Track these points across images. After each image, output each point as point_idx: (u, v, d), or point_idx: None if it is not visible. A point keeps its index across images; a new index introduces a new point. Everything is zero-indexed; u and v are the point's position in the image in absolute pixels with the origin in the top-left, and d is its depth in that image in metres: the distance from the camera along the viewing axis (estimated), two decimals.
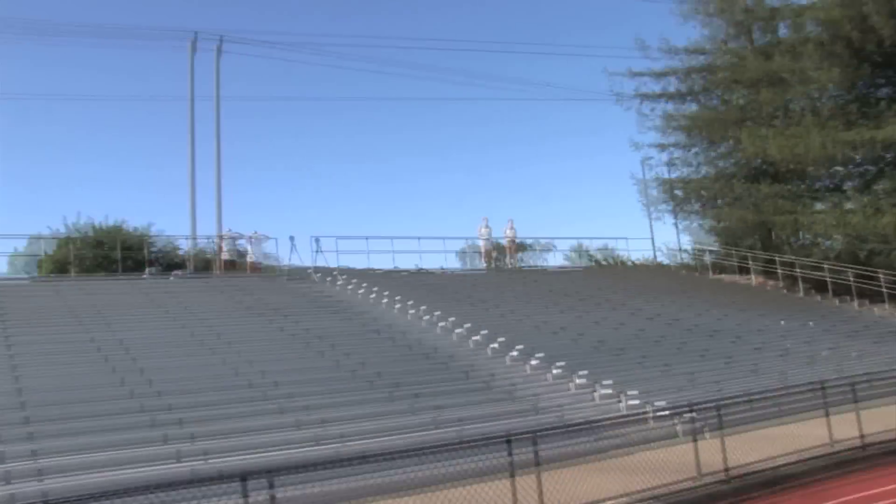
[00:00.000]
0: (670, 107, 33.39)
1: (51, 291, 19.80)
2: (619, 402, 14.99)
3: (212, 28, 50.04)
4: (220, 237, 24.91)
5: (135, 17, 63.80)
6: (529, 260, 33.41)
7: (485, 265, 29.47)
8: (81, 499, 6.90)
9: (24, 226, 73.82)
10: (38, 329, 16.28)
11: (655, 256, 35.66)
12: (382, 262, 25.54)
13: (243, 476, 7.77)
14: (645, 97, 32.97)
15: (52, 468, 10.48)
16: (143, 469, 10.48)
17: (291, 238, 24.28)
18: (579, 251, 38.10)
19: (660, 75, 32.86)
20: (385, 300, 21.06)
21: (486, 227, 28.98)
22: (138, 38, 50.31)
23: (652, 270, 32.54)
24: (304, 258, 24.45)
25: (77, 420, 11.88)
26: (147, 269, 23.68)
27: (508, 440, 9.31)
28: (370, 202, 72.85)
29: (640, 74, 32.66)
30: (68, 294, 19.37)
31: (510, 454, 9.18)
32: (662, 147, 33.88)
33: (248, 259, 24.59)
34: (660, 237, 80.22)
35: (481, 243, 29.71)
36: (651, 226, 36.96)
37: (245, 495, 7.69)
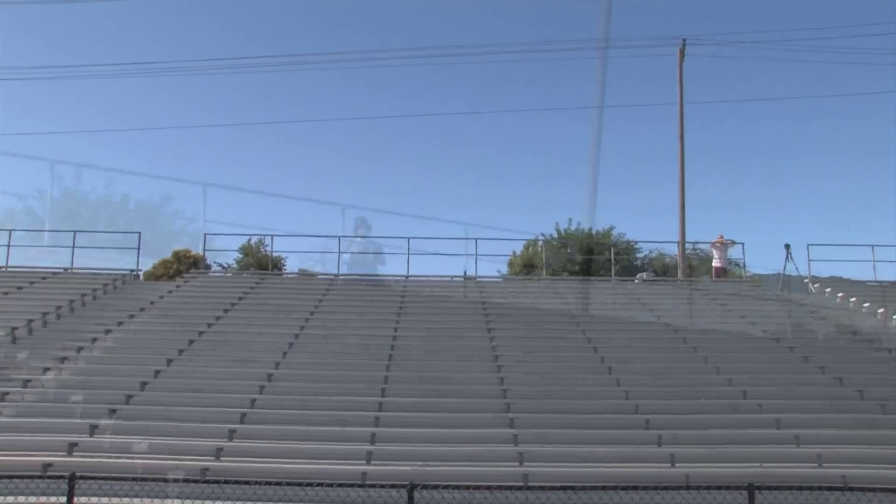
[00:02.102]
0: None
1: (526, 289, 22.00)
2: None
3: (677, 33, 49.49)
4: (714, 244, 24.59)
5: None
6: None
7: None
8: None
9: (525, 229, 79.85)
10: (516, 323, 17.73)
11: None
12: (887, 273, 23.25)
13: (750, 487, 7.34)
14: None
15: (533, 455, 11.17)
16: (630, 467, 10.69)
17: (787, 246, 22.91)
18: None
19: None
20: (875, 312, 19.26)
21: None
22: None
23: None
24: (770, 265, 23.17)
25: (560, 413, 12.53)
26: (638, 275, 24.70)
27: None
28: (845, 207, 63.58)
29: None
30: (546, 293, 21.18)
31: None
32: None
33: (714, 264, 24.44)
34: None
35: None
36: None
37: None
